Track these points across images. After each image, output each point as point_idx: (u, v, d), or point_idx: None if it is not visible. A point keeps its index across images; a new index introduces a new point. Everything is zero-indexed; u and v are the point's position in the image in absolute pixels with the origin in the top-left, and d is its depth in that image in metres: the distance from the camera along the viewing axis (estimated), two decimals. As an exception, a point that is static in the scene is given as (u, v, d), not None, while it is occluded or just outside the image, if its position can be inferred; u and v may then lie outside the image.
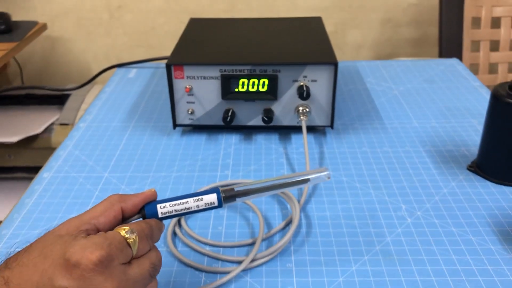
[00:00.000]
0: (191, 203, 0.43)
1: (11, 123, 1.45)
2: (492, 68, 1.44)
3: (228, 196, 0.44)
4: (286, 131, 0.81)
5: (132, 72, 1.07)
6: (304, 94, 0.73)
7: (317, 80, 0.74)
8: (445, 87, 0.96)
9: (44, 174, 0.71)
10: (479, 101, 0.90)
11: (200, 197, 0.44)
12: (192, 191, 0.65)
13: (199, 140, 0.79)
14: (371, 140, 0.78)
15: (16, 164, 1.46)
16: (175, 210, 0.43)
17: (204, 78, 0.75)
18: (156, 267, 0.40)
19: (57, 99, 1.54)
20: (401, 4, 1.66)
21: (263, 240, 0.57)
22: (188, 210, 0.43)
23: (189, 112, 0.77)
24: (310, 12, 1.64)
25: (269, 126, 0.79)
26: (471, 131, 0.79)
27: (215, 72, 0.74)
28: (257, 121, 0.78)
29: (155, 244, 0.42)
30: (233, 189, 0.45)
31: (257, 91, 0.75)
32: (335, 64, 0.73)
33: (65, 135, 0.82)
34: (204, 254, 0.56)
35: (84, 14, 1.68)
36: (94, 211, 0.40)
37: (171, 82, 0.75)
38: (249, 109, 0.77)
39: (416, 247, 0.56)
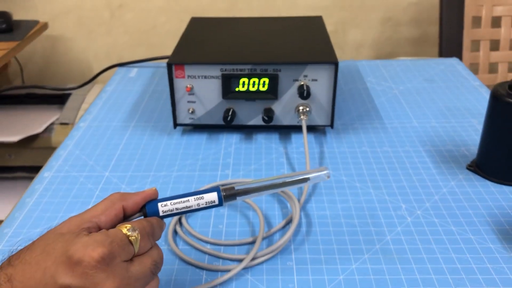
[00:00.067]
0: (192, 201, 0.44)
1: (11, 123, 1.46)
2: (492, 68, 1.44)
3: (228, 194, 0.45)
4: (286, 131, 0.81)
5: (133, 71, 1.07)
6: (304, 93, 0.73)
7: (318, 80, 0.74)
8: (445, 87, 0.96)
9: (45, 174, 0.71)
10: (479, 100, 0.90)
11: (201, 195, 0.44)
12: (192, 191, 0.65)
13: (200, 140, 0.79)
14: (371, 140, 0.78)
15: (16, 164, 1.46)
16: (176, 208, 0.43)
17: (205, 77, 0.75)
18: (157, 265, 0.40)
19: (58, 99, 1.54)
20: (401, 3, 1.66)
21: (264, 238, 0.58)
22: (189, 209, 0.44)
23: (190, 112, 0.78)
24: (310, 11, 1.64)
25: (270, 126, 0.79)
26: (470, 131, 0.80)
27: (215, 71, 0.74)
28: (258, 120, 0.78)
29: (157, 242, 0.42)
30: (233, 187, 0.45)
31: (258, 91, 0.75)
32: (335, 63, 0.73)
33: (66, 135, 0.82)
34: (205, 252, 0.56)
35: (85, 13, 1.68)
36: (95, 209, 0.40)
37: (172, 81, 0.75)
38: (249, 109, 0.77)
39: (416, 245, 0.56)
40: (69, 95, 1.52)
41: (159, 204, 0.43)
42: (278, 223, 0.60)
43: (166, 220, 0.45)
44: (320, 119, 0.77)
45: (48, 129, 1.42)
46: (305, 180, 0.47)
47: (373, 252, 0.55)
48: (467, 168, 0.70)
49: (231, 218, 0.62)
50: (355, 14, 1.68)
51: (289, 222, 0.60)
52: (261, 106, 0.77)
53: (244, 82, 0.75)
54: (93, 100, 0.95)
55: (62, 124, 1.42)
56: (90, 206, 0.41)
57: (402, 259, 0.54)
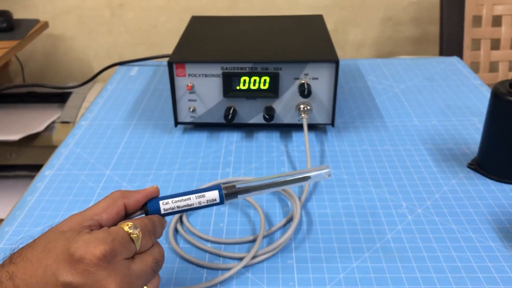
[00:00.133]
0: (193, 199, 0.44)
1: (12, 121, 1.46)
2: (493, 67, 1.44)
3: (229, 193, 0.45)
4: (287, 129, 0.81)
5: (134, 70, 1.07)
6: (305, 92, 0.73)
7: (318, 78, 0.74)
8: (446, 85, 0.96)
9: (46, 172, 0.71)
10: (479, 99, 0.90)
11: (202, 193, 0.44)
12: (193, 189, 0.65)
13: (201, 138, 0.79)
14: (372, 138, 0.78)
15: (17, 162, 1.46)
16: (177, 206, 0.43)
17: (206, 76, 0.75)
18: (159, 263, 0.40)
19: (59, 97, 1.54)
20: (402, 2, 1.66)
21: (264, 237, 0.58)
22: (190, 207, 0.44)
23: (191, 110, 0.78)
24: (311, 11, 1.64)
25: (270, 124, 0.79)
26: (471, 129, 0.80)
27: (216, 70, 0.74)
28: (258, 119, 0.78)
29: (158, 240, 0.42)
30: (234, 186, 0.45)
31: (259, 89, 0.75)
32: (336, 62, 0.73)
33: (67, 133, 0.82)
34: (205, 251, 0.56)
35: (85, 12, 1.68)
36: (97, 207, 0.40)
37: (173, 80, 0.75)
38: (250, 107, 0.77)
39: (416, 244, 0.56)
40: (70, 93, 1.52)
41: (161, 202, 0.43)
42: (279, 221, 0.60)
43: (167, 218, 0.45)
44: (321, 118, 0.77)
45: (49, 127, 1.42)
46: (306, 178, 0.47)
47: (374, 251, 0.55)
48: (468, 167, 0.70)
49: (232, 216, 0.62)
50: (355, 14, 1.68)
51: (289, 220, 0.60)
52: (262, 105, 0.77)
53: (245, 80, 0.75)
54: (94, 98, 0.95)
55: (63, 122, 1.42)
56: (91, 205, 0.41)
57: (402, 257, 0.54)
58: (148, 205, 0.43)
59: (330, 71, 0.74)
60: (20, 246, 0.38)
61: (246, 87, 0.75)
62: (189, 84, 0.75)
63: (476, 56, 1.41)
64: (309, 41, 0.82)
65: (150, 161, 0.73)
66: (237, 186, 0.45)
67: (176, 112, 0.78)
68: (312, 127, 0.81)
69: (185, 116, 0.78)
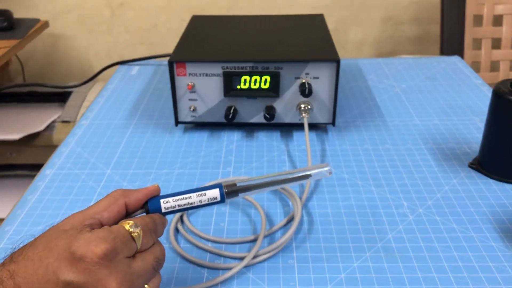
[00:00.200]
0: (194, 198, 0.44)
1: (13, 121, 1.46)
2: (494, 66, 1.44)
3: (230, 191, 0.45)
4: (288, 129, 0.81)
5: (134, 69, 1.07)
6: (306, 91, 0.73)
7: (319, 77, 0.74)
8: (447, 85, 0.96)
9: (47, 171, 0.71)
10: (480, 98, 0.90)
11: (203, 192, 0.44)
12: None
13: (201, 137, 0.79)
14: (372, 138, 0.78)
15: (17, 162, 1.46)
16: (178, 205, 0.43)
17: (206, 75, 0.75)
18: (159, 261, 0.40)
19: (59, 97, 1.54)
20: (402, 2, 1.66)
21: (265, 236, 0.58)
22: (191, 205, 0.44)
23: (191, 109, 0.78)
24: (311, 10, 1.64)
25: (271, 124, 0.79)
26: (472, 129, 0.80)
27: (217, 69, 0.74)
28: (259, 118, 0.78)
29: (159, 239, 0.42)
30: (235, 184, 0.45)
31: (259, 88, 0.75)
32: (337, 61, 0.73)
33: (67, 133, 0.82)
34: (206, 251, 0.56)
35: (86, 11, 1.68)
36: (98, 206, 0.40)
37: (173, 79, 0.75)
38: (251, 106, 0.77)
39: (417, 244, 0.56)
40: (70, 93, 1.52)
41: (161, 200, 0.43)
42: (280, 221, 0.60)
43: (167, 218, 0.45)
44: (321, 117, 0.77)
45: (50, 127, 1.42)
46: (307, 176, 0.47)
47: (375, 250, 0.55)
48: (469, 166, 0.70)
49: (233, 216, 0.62)
50: (356, 13, 1.68)
51: (290, 220, 0.60)
52: (262, 104, 0.77)
53: (245, 79, 0.75)
54: (94, 98, 0.95)
55: (63, 122, 1.42)
56: (91, 204, 0.41)
57: (403, 257, 0.54)
58: (149, 204, 0.43)
59: (331, 71, 0.73)
60: (21, 244, 0.38)
61: (246, 86, 0.75)
62: (189, 83, 0.75)
63: (477, 56, 1.41)
64: (309, 40, 0.82)
65: (150, 161, 0.73)
66: (238, 184, 0.45)
67: (177, 111, 0.78)
68: (313, 126, 0.81)
69: (185, 115, 0.78)
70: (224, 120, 0.78)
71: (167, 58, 0.75)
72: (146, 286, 0.39)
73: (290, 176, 0.46)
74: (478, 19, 1.40)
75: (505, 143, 0.64)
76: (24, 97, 1.56)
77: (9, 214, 0.63)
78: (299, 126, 0.80)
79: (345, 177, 0.68)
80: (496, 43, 1.42)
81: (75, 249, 0.35)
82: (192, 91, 0.76)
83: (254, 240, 0.57)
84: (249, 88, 0.75)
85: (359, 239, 0.57)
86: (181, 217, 0.61)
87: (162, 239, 0.57)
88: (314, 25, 0.90)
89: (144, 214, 0.43)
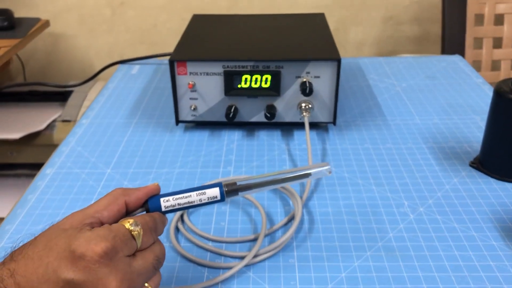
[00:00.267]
0: (194, 197, 0.43)
1: (13, 120, 1.46)
2: (495, 65, 1.44)
3: (230, 190, 0.44)
4: (289, 128, 0.81)
5: (135, 68, 1.07)
6: (307, 90, 0.73)
7: (320, 77, 0.74)
8: (448, 84, 0.96)
9: (47, 170, 0.71)
10: (481, 97, 0.90)
11: (203, 191, 0.44)
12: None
13: (202, 137, 0.79)
14: (373, 137, 0.78)
15: (18, 161, 1.46)
16: (178, 204, 0.43)
17: (207, 74, 0.75)
18: (160, 260, 0.40)
19: (60, 96, 1.54)
20: (403, 2, 1.65)
21: (266, 235, 0.58)
22: (191, 204, 0.44)
23: (192, 109, 0.77)
24: (311, 10, 1.64)
25: (272, 123, 0.79)
26: (473, 128, 0.79)
27: (218, 68, 0.74)
28: (260, 117, 0.78)
29: (159, 238, 0.42)
30: (235, 183, 0.45)
31: (260, 87, 0.75)
32: (338, 60, 0.72)
33: (67, 132, 0.82)
34: (206, 250, 0.56)
35: (86, 11, 1.68)
36: (98, 204, 0.40)
37: (174, 78, 0.75)
38: (251, 106, 0.77)
39: (418, 243, 0.56)
40: (71, 92, 1.52)
41: (162, 199, 0.43)
42: (280, 220, 0.60)
43: (168, 217, 0.45)
44: (322, 116, 0.77)
45: (50, 126, 1.42)
46: (307, 175, 0.47)
47: (376, 250, 0.55)
48: (470, 165, 0.70)
49: (233, 215, 0.61)
50: (356, 13, 1.67)
51: (291, 219, 0.60)
52: (263, 103, 0.77)
53: (246, 79, 0.74)
54: (95, 97, 0.95)
55: (64, 121, 1.42)
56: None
57: (404, 256, 0.54)
58: (149, 203, 0.43)
59: (331, 70, 0.73)
60: (21, 243, 0.38)
61: (247, 85, 0.75)
62: (190, 82, 0.75)
63: (478, 55, 1.41)
64: (310, 39, 0.82)
65: (151, 160, 0.73)
66: (238, 183, 0.45)
67: (177, 110, 0.78)
68: (314, 125, 0.81)
69: (186, 114, 0.78)
70: (224, 119, 0.78)
71: (168, 57, 0.75)
72: (146, 284, 0.39)
73: (289, 175, 0.46)
74: (479, 18, 1.40)
75: (506, 142, 0.64)
76: (24, 96, 1.56)
77: (10, 213, 0.63)
78: (299, 125, 0.80)
79: (346, 176, 0.68)
80: (497, 42, 1.42)
81: (75, 248, 0.35)
82: (192, 90, 0.76)
83: (254, 239, 0.57)
84: (250, 87, 0.75)
85: (360, 238, 0.57)
86: (182, 216, 0.60)
87: (162, 238, 0.57)
88: (315, 24, 0.90)
89: (144, 212, 0.43)
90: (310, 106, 0.75)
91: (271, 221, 0.60)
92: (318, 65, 0.73)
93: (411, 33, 1.71)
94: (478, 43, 1.41)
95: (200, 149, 0.76)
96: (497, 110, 0.64)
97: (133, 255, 0.38)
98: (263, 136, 0.79)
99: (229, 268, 0.52)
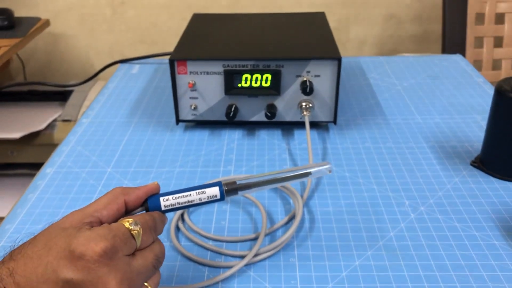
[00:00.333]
0: (193, 196, 0.43)
1: (13, 120, 1.46)
2: (496, 65, 1.44)
3: (230, 189, 0.44)
4: (289, 127, 0.81)
5: (135, 68, 1.07)
6: (307, 89, 0.73)
7: (321, 76, 0.74)
8: (449, 83, 0.95)
9: (47, 170, 0.71)
10: (482, 97, 0.89)
11: (202, 190, 0.44)
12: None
13: (202, 136, 0.79)
14: (374, 136, 0.78)
15: (18, 161, 1.46)
16: (177, 203, 0.43)
17: (207, 73, 0.75)
18: (159, 259, 0.40)
19: (60, 95, 1.54)
20: (404, 0, 1.65)
21: (266, 235, 0.57)
22: (190, 203, 0.43)
23: (192, 108, 0.77)
24: (312, 8, 1.64)
25: (272, 122, 0.79)
26: (474, 127, 0.79)
27: (218, 67, 0.74)
28: (260, 116, 0.78)
29: (158, 237, 0.42)
30: (235, 182, 0.45)
31: (260, 87, 0.75)
32: (338, 59, 0.72)
33: (68, 132, 0.82)
34: (207, 249, 0.56)
35: (87, 10, 1.68)
36: (97, 204, 0.40)
37: (174, 77, 0.75)
38: (252, 105, 0.77)
39: (419, 242, 0.56)
40: (71, 91, 1.52)
41: (161, 198, 0.43)
42: (281, 219, 0.60)
43: (168, 216, 0.45)
44: (323, 115, 0.77)
45: (50, 126, 1.42)
46: (307, 174, 0.46)
47: (376, 249, 0.55)
48: (471, 164, 0.69)
49: (234, 214, 0.61)
50: (357, 11, 1.67)
51: (292, 218, 0.60)
52: (263, 102, 0.76)
53: (246, 78, 0.74)
54: (95, 96, 0.95)
55: (64, 121, 1.42)
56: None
57: (405, 255, 0.54)
58: (149, 202, 0.43)
59: (332, 69, 0.73)
60: (20, 242, 0.38)
61: (247, 84, 0.75)
62: (190, 81, 0.75)
63: (479, 54, 1.41)
64: (311, 38, 0.82)
65: (151, 159, 0.73)
66: (238, 182, 0.45)
67: (178, 109, 0.78)
68: (314, 124, 0.81)
69: (186, 114, 0.78)
70: (225, 119, 0.77)
71: (168, 57, 0.75)
72: (145, 284, 0.38)
73: (289, 174, 0.46)
74: (480, 17, 1.40)
75: (507, 141, 0.64)
76: (24, 96, 1.56)
77: (10, 212, 0.63)
78: (300, 125, 0.80)
79: (347, 175, 0.68)
80: (498, 42, 1.42)
81: (74, 247, 0.34)
82: (193, 90, 0.76)
83: (255, 239, 0.57)
84: (250, 86, 0.75)
85: (361, 237, 0.57)
86: (182, 215, 0.60)
87: (162, 237, 0.57)
88: (315, 23, 0.90)
89: (144, 212, 0.43)
90: (310, 105, 0.75)
91: (271, 220, 0.60)
92: (318, 64, 0.73)
93: (412, 32, 1.71)
94: (479, 42, 1.41)
95: (200, 149, 0.76)
96: (498, 109, 0.64)
97: (133, 254, 0.38)
98: (263, 135, 0.79)
99: (230, 267, 0.52)
